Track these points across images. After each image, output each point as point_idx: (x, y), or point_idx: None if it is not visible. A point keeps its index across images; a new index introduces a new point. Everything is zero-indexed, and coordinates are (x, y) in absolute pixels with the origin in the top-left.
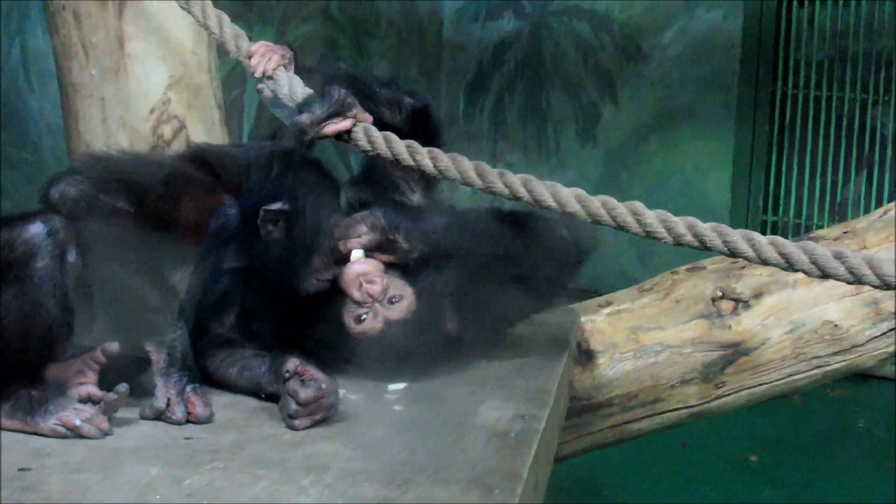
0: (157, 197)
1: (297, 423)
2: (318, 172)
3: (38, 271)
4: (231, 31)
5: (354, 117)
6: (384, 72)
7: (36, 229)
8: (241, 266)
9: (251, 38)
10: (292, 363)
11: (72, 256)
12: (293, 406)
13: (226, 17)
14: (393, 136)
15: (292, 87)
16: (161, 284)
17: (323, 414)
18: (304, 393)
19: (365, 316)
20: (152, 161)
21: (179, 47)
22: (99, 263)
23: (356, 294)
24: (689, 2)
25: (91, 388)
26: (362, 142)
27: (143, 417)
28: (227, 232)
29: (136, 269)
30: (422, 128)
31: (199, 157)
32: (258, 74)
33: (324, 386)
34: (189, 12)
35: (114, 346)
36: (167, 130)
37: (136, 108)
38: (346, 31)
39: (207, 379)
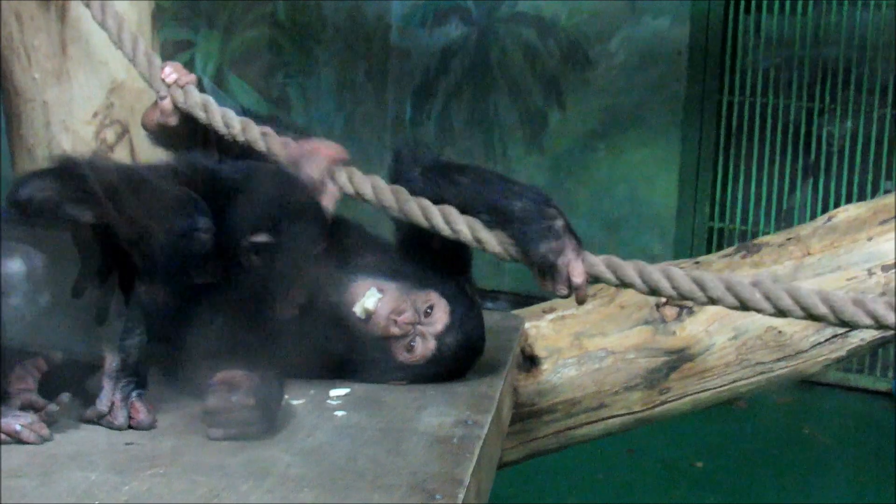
0: (127, 210)
1: (209, 431)
2: (303, 199)
3: (6, 308)
4: (144, 49)
5: None
6: (331, 77)
7: (16, 267)
8: (213, 283)
9: (197, 43)
10: (222, 374)
11: (44, 300)
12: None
13: (141, 39)
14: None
15: (207, 106)
16: (118, 294)
17: (238, 429)
18: (208, 402)
19: (414, 342)
20: (131, 172)
21: None
22: (60, 267)
23: (396, 331)
24: (635, 8)
25: (32, 396)
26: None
27: (84, 420)
28: (199, 252)
29: (97, 277)
30: None
31: (181, 173)
32: (170, 80)
33: (233, 399)
34: (104, 29)
35: (56, 355)
36: (110, 135)
37: (79, 111)
38: (292, 37)
39: (189, 388)
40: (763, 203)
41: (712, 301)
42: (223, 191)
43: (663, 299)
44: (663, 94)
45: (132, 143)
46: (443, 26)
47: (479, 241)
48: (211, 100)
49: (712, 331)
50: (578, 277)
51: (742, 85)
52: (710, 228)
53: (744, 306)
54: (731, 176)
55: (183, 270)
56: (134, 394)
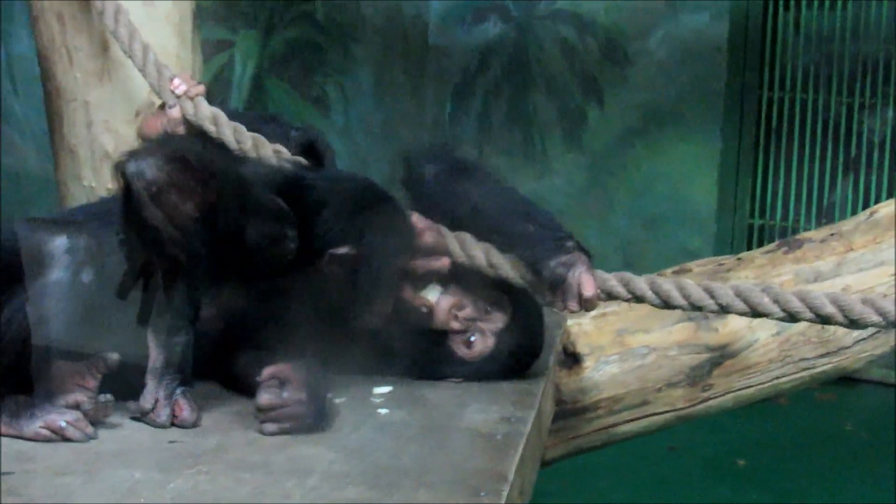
0: (228, 213)
1: (263, 427)
2: (390, 215)
3: (50, 284)
4: (154, 59)
5: None
6: (370, 76)
7: (59, 242)
8: (293, 288)
9: (237, 43)
10: (271, 369)
11: (87, 277)
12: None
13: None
14: None
15: (217, 120)
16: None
17: (291, 423)
18: (260, 398)
19: (473, 337)
20: (241, 178)
21: (163, 51)
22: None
23: (456, 325)
24: (674, 5)
25: (80, 396)
26: None
27: (131, 417)
28: (283, 259)
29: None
30: (310, 158)
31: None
32: (180, 92)
33: (285, 395)
34: (116, 38)
35: (114, 357)
36: None
37: (121, 111)
38: (330, 36)
39: (234, 382)
40: (804, 199)
41: (723, 309)
42: (310, 199)
43: None
44: (703, 90)
45: None
46: (481, 24)
47: (492, 265)
48: (221, 113)
49: (755, 326)
50: (589, 290)
51: (782, 81)
52: (750, 225)
53: (754, 312)
54: (771, 172)
55: (262, 275)
56: (178, 391)
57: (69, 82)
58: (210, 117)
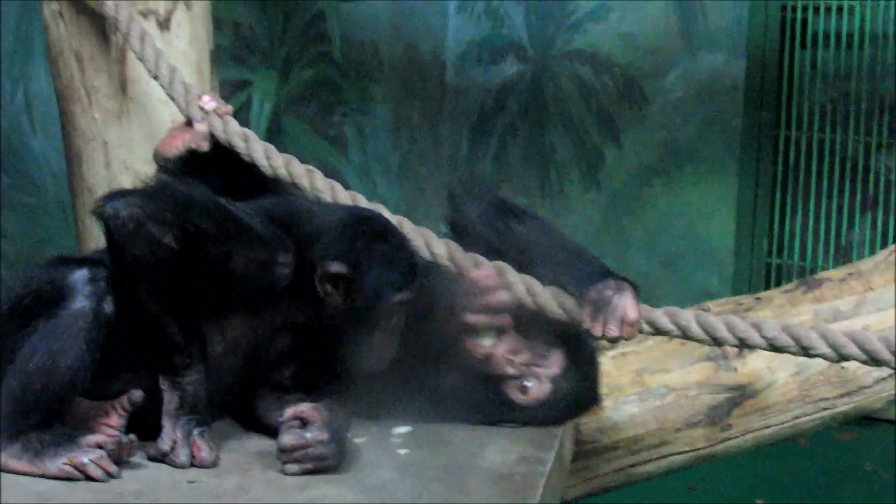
0: (210, 242)
1: (286, 468)
2: (394, 246)
3: (71, 314)
4: (181, 79)
5: None
6: (387, 116)
7: (80, 274)
8: (300, 321)
9: (255, 82)
10: (293, 409)
11: (108, 307)
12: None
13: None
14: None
15: (248, 137)
16: (186, 326)
17: (314, 464)
18: (283, 439)
19: (528, 383)
20: (217, 203)
21: None
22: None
23: (511, 370)
24: (690, 44)
25: (103, 437)
26: None
27: (149, 458)
28: (279, 285)
29: (165, 306)
30: None
31: (274, 212)
32: (209, 108)
33: (308, 436)
34: (141, 59)
35: (138, 395)
36: None
37: (140, 151)
38: (348, 76)
39: (253, 421)
40: (822, 238)
41: (771, 345)
42: (313, 230)
43: None
44: (720, 129)
45: None
46: (498, 64)
47: (532, 295)
48: (251, 133)
49: (774, 367)
50: (633, 314)
51: (799, 120)
52: (768, 264)
53: (802, 350)
54: (788, 211)
55: (260, 303)
56: (196, 431)
57: (88, 122)
58: (240, 134)
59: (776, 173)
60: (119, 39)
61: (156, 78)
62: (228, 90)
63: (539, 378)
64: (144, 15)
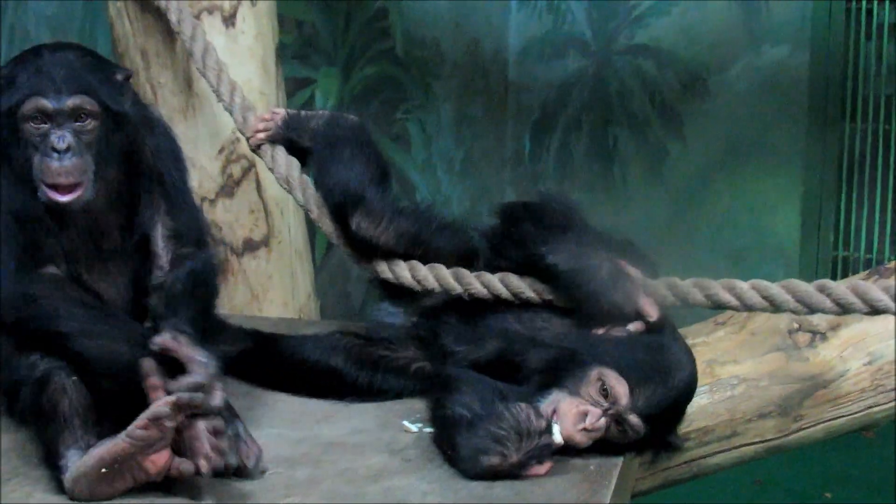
0: None
1: None
2: None
3: None
4: (241, 100)
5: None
6: (450, 113)
7: None
8: None
9: (318, 80)
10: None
11: None
12: None
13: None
14: None
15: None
16: None
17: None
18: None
19: (618, 429)
20: None
21: (247, 86)
22: None
23: (595, 435)
24: (754, 38)
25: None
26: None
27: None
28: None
29: None
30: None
31: None
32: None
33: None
34: (204, 76)
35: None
36: (236, 170)
37: (205, 147)
38: (411, 73)
39: None
40: (888, 230)
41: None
42: None
43: (796, 325)
44: (784, 122)
45: (258, 179)
46: (560, 59)
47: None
48: (294, 164)
49: (846, 356)
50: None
51: (864, 112)
52: (834, 258)
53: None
54: (854, 204)
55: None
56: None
57: None
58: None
59: (841, 166)
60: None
61: (217, 96)
62: (292, 88)
63: (619, 419)
64: (209, 11)
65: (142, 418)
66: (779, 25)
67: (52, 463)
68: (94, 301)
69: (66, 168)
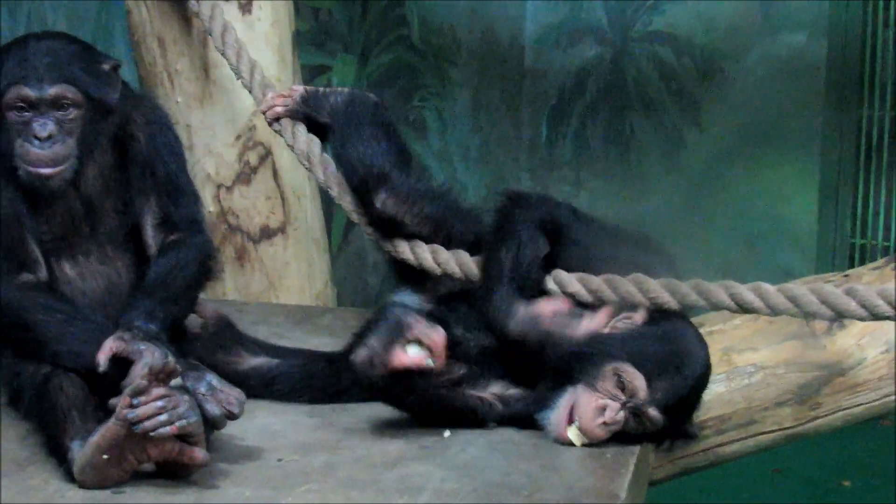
0: None
1: None
2: None
3: None
4: (260, 79)
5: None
6: (467, 100)
7: None
8: None
9: (334, 67)
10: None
11: None
12: None
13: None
14: None
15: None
16: None
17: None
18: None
19: (635, 421)
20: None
21: (264, 73)
22: None
23: (615, 428)
24: (771, 24)
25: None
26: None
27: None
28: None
29: None
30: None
31: None
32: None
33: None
34: (224, 55)
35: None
36: (253, 157)
37: (222, 134)
38: (427, 60)
39: None
40: None
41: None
42: None
43: None
44: (802, 109)
45: (275, 166)
46: (577, 46)
47: None
48: (315, 141)
49: (864, 344)
50: None
51: (882, 99)
52: (851, 244)
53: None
54: (871, 191)
55: None
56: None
57: (171, 106)
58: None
59: (859, 153)
60: (201, 24)
61: (237, 75)
62: (308, 75)
63: (638, 412)
64: None
65: (123, 397)
66: (796, 12)
67: (62, 457)
68: (66, 306)
69: (46, 155)
